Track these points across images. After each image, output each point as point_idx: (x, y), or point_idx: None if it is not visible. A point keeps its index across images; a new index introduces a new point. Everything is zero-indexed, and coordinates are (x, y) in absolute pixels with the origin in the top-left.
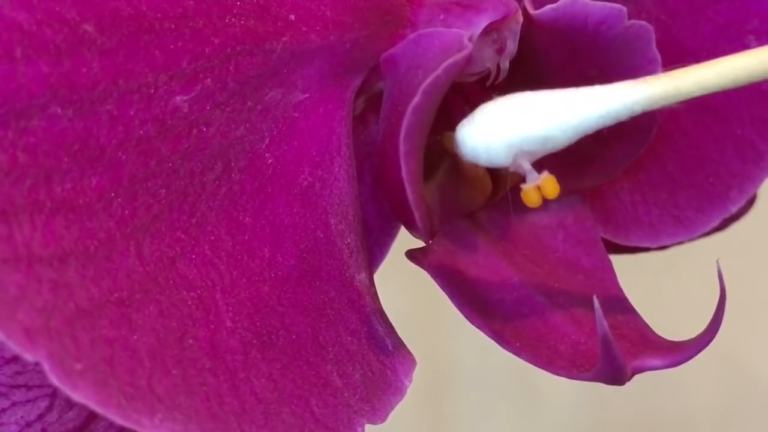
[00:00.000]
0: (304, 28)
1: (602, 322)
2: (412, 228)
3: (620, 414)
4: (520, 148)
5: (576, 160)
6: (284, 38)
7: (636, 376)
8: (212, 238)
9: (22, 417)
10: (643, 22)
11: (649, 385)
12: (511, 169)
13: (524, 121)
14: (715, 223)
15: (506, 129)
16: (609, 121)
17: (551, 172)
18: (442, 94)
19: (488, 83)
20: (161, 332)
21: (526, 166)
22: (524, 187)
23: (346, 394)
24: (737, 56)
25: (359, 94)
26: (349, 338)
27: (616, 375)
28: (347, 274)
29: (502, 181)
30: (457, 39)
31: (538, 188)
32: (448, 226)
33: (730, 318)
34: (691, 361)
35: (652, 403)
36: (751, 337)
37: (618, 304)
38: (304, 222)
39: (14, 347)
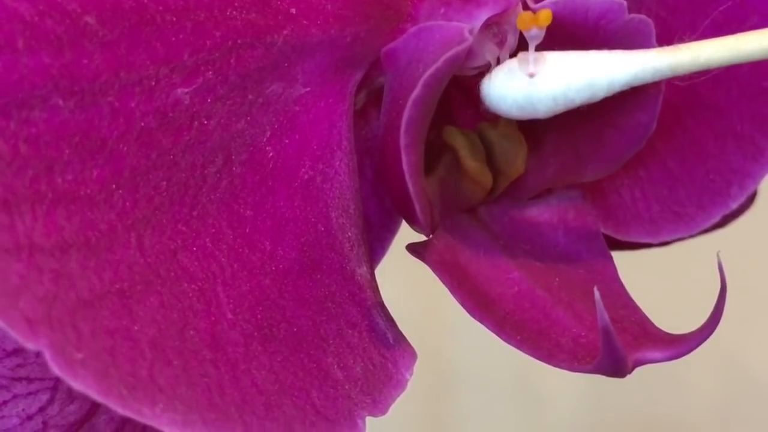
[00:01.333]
0: (305, 22)
1: (603, 315)
2: (413, 222)
3: (620, 414)
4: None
5: (576, 154)
6: (285, 32)
7: (636, 377)
8: (213, 230)
9: (23, 410)
10: (643, 17)
11: (648, 384)
12: None
13: (571, 76)
14: (715, 220)
15: (554, 82)
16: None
17: (552, 164)
18: (442, 87)
19: None
20: (162, 323)
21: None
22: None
23: (347, 387)
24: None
25: (360, 88)
26: (350, 331)
27: (617, 367)
28: (348, 268)
29: (503, 176)
30: (458, 32)
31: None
32: (449, 221)
33: (729, 317)
34: (690, 360)
35: (651, 403)
36: (751, 336)
37: (619, 298)
38: (305, 215)
39: (16, 336)
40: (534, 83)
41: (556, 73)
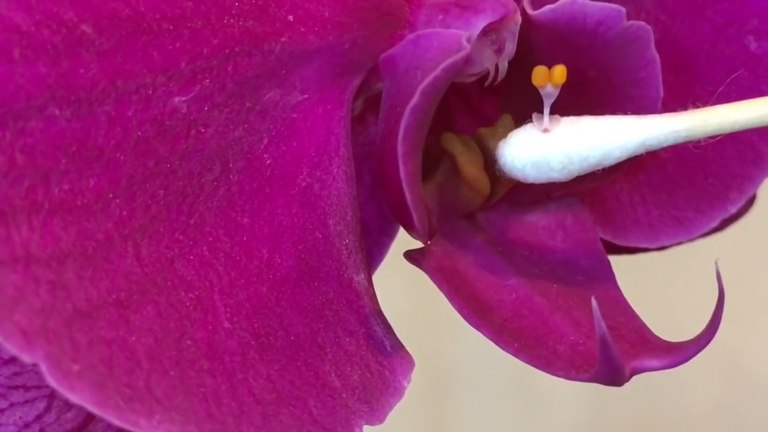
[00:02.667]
0: (302, 29)
1: (600, 323)
2: (410, 229)
3: (620, 414)
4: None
5: None
6: (283, 39)
7: (635, 377)
8: (210, 239)
9: (20, 418)
10: (641, 23)
11: (648, 385)
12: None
13: (580, 142)
14: (714, 224)
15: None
16: (649, 148)
17: None
18: (440, 95)
19: (487, 84)
20: (159, 333)
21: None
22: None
23: (344, 395)
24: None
25: (358, 94)
26: (347, 339)
27: (614, 376)
28: (346, 275)
29: (500, 182)
30: (456, 40)
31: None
32: (446, 227)
33: (729, 318)
34: (690, 362)
35: (651, 403)
36: (751, 338)
37: (616, 305)
38: (303, 223)
39: (12, 349)
40: (548, 140)
41: (569, 132)
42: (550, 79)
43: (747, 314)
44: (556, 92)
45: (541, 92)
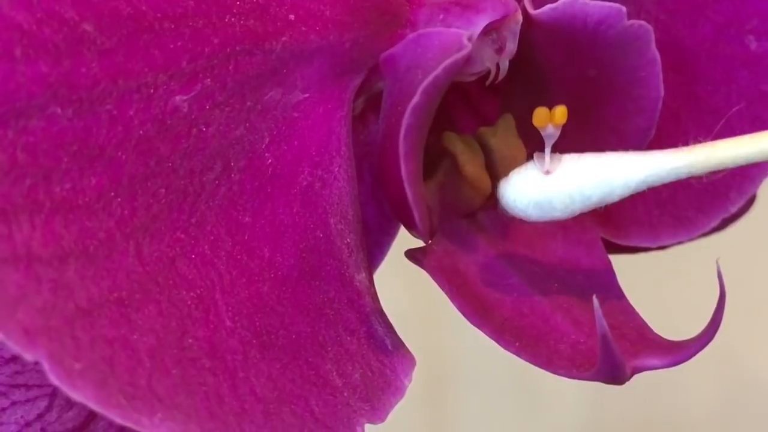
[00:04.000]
0: (303, 28)
1: (602, 322)
2: (411, 228)
3: (620, 414)
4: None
5: None
6: (284, 38)
7: (636, 376)
8: (212, 237)
9: (21, 416)
10: (642, 22)
11: (649, 385)
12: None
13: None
14: (714, 223)
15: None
16: (651, 185)
17: None
18: (441, 94)
19: (488, 83)
20: (161, 332)
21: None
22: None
23: (345, 394)
24: None
25: (359, 93)
26: (348, 338)
27: (615, 375)
28: (347, 274)
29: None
30: (457, 39)
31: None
32: (447, 226)
33: (729, 318)
34: (690, 361)
35: (652, 404)
36: (751, 337)
37: (617, 304)
38: (304, 222)
39: (14, 347)
40: (550, 181)
41: (571, 171)
42: (551, 119)
43: (747, 314)
44: (557, 133)
45: (542, 133)
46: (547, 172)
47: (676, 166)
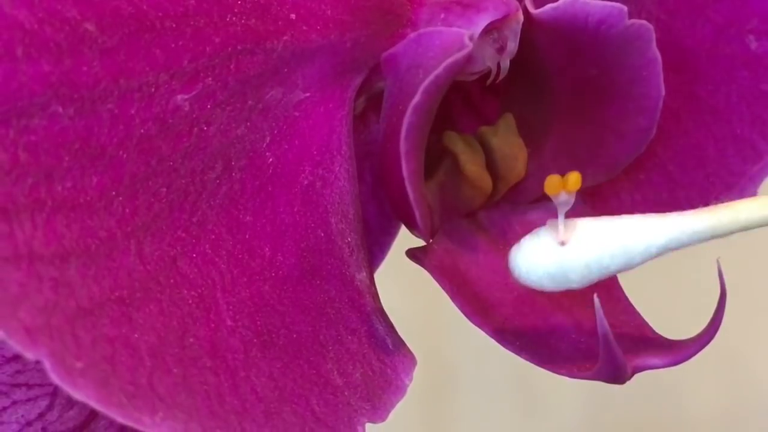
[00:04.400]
0: (304, 27)
1: (603, 321)
2: (412, 227)
3: (620, 414)
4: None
5: (576, 159)
6: (285, 37)
7: (636, 377)
8: (213, 237)
9: (22, 416)
10: (643, 22)
11: (649, 385)
12: None
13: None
14: None
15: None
16: (672, 249)
17: (552, 169)
18: (442, 93)
19: (489, 82)
20: (162, 331)
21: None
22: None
23: (346, 393)
24: None
25: (360, 93)
26: (349, 337)
27: (616, 374)
28: (348, 273)
29: (502, 181)
30: (458, 38)
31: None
32: (448, 225)
33: (730, 318)
34: (691, 362)
35: (652, 404)
36: (752, 338)
37: (618, 303)
38: (305, 221)
39: (15, 346)
40: (566, 251)
41: (588, 239)
42: (564, 186)
43: (747, 314)
44: (572, 200)
45: (555, 201)
46: (562, 243)
47: (698, 229)
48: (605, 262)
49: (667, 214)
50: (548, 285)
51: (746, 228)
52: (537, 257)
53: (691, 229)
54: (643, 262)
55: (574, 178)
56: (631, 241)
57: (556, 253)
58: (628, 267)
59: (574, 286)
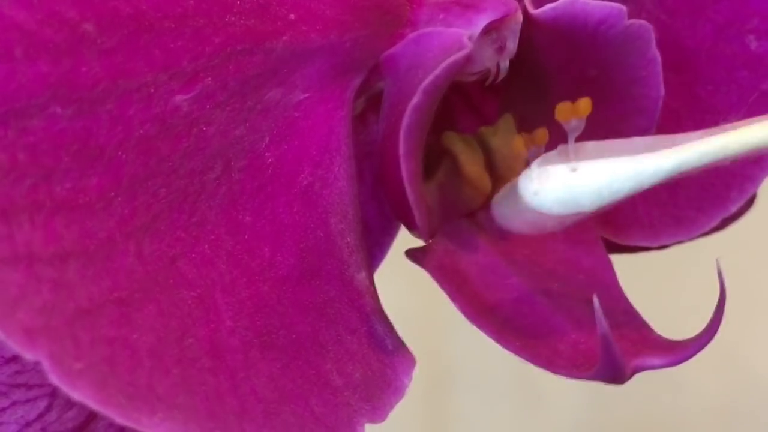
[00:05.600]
0: (304, 28)
1: (602, 322)
2: (412, 227)
3: (620, 414)
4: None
5: None
6: (284, 37)
7: (636, 376)
8: (212, 237)
9: (21, 416)
10: (643, 22)
11: (649, 385)
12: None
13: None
14: (715, 223)
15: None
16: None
17: None
18: (441, 94)
19: (488, 83)
20: (161, 332)
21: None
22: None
23: (346, 394)
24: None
25: (359, 93)
26: (349, 337)
27: (616, 374)
28: (347, 274)
29: (502, 181)
30: (457, 38)
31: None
32: (448, 226)
33: (730, 317)
34: (691, 361)
35: (652, 403)
36: (752, 337)
37: (618, 304)
38: (304, 221)
39: (14, 347)
40: (577, 177)
41: (599, 165)
42: (575, 112)
43: (747, 313)
44: (582, 125)
45: (566, 127)
46: (573, 169)
47: (707, 151)
48: (616, 186)
49: (676, 135)
50: (558, 210)
51: (756, 149)
52: (548, 182)
53: (700, 150)
54: (653, 185)
55: (585, 104)
56: (641, 164)
57: (568, 178)
58: (638, 190)
59: (586, 210)
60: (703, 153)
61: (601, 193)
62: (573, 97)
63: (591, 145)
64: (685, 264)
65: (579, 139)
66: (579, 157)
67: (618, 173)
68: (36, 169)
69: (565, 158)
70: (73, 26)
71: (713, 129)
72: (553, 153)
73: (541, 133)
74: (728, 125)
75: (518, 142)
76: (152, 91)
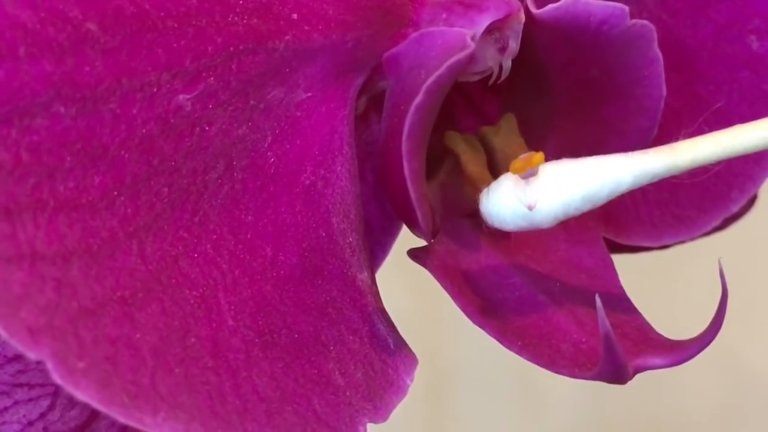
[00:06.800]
0: (306, 27)
1: (604, 321)
2: (414, 227)
3: (620, 414)
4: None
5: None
6: (287, 37)
7: (637, 376)
8: (214, 236)
9: (24, 416)
10: (645, 22)
11: (649, 385)
12: None
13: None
14: (716, 223)
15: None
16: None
17: None
18: (444, 93)
19: (490, 82)
20: (164, 331)
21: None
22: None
23: (348, 393)
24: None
25: (362, 93)
26: (351, 337)
27: (617, 374)
28: (349, 273)
29: None
30: (460, 38)
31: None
32: (450, 225)
33: (730, 317)
34: (691, 361)
35: (652, 403)
36: (752, 337)
37: (620, 303)
38: (306, 221)
39: (17, 346)
40: (535, 214)
41: (555, 198)
42: (529, 164)
43: (748, 313)
44: (537, 172)
45: (521, 176)
46: (530, 208)
47: (657, 167)
48: (572, 209)
49: (630, 154)
50: (519, 229)
51: (705, 163)
52: (506, 212)
53: (652, 167)
54: (609, 198)
55: (538, 158)
56: (598, 186)
57: (526, 215)
58: (595, 206)
59: (545, 227)
60: (655, 170)
61: (559, 218)
62: (574, 97)
63: (544, 177)
64: (687, 264)
65: (588, 140)
66: (534, 194)
67: (575, 199)
68: (39, 168)
69: (522, 194)
70: (76, 25)
71: (665, 147)
72: (508, 186)
73: (538, 158)
74: (681, 142)
75: (520, 142)
76: (155, 90)
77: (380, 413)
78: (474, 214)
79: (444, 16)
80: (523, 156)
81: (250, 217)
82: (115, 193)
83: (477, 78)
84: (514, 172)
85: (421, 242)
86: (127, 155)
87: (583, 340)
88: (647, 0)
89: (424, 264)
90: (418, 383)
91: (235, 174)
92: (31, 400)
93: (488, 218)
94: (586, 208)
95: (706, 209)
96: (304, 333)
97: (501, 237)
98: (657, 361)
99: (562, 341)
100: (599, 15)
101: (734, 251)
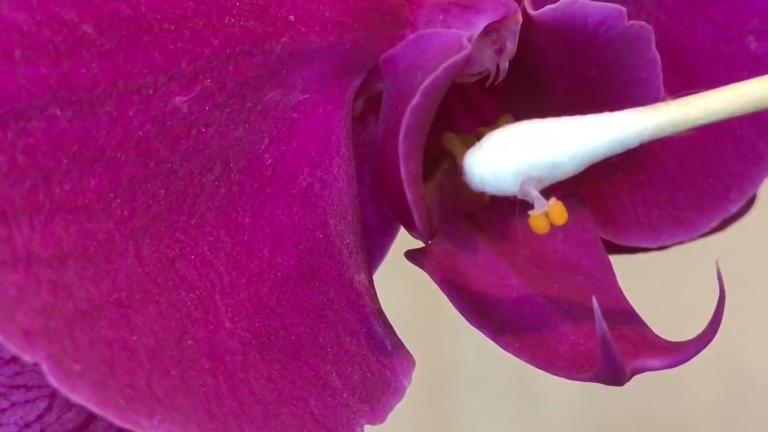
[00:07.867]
0: (303, 29)
1: (601, 323)
2: (411, 229)
3: (620, 414)
4: (528, 174)
5: None
6: (283, 39)
7: (636, 377)
8: (211, 238)
9: (21, 417)
10: (642, 23)
11: (649, 385)
12: (520, 196)
13: (532, 148)
14: (715, 224)
15: (514, 156)
16: (617, 149)
17: None
18: (441, 95)
19: (488, 84)
20: (160, 333)
21: (534, 193)
22: (532, 213)
23: (345, 395)
24: (747, 83)
25: (359, 94)
26: (348, 339)
27: (615, 376)
28: (346, 275)
29: None
30: (457, 39)
31: (546, 215)
32: (447, 227)
33: (729, 318)
34: (690, 361)
35: (652, 403)
36: (751, 338)
37: (617, 305)
38: (304, 222)
39: (13, 348)
40: (497, 160)
41: (515, 148)
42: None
43: (747, 314)
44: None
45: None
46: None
47: (642, 128)
48: (535, 173)
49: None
50: (492, 190)
51: (718, 118)
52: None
53: (636, 127)
54: (581, 166)
55: (560, 213)
56: (565, 146)
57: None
58: (575, 170)
59: (510, 193)
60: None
61: (518, 177)
62: (572, 98)
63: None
64: (685, 265)
65: None
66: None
67: (537, 158)
68: (35, 171)
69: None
70: (72, 28)
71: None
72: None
73: (559, 210)
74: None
75: None
76: (151, 92)
77: (377, 415)
78: (471, 216)
79: (441, 17)
80: (541, 211)
81: (247, 219)
82: (112, 195)
83: (474, 79)
84: (534, 226)
85: (419, 244)
86: (123, 157)
87: (581, 341)
88: (645, 1)
89: (421, 265)
90: (416, 385)
91: (232, 176)
92: (28, 401)
93: (469, 175)
94: (555, 172)
95: (704, 210)
96: (301, 335)
97: (498, 238)
98: (655, 362)
99: (559, 343)
100: (597, 16)
101: (733, 252)
